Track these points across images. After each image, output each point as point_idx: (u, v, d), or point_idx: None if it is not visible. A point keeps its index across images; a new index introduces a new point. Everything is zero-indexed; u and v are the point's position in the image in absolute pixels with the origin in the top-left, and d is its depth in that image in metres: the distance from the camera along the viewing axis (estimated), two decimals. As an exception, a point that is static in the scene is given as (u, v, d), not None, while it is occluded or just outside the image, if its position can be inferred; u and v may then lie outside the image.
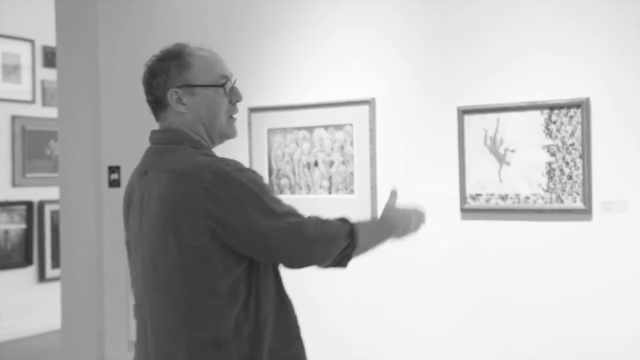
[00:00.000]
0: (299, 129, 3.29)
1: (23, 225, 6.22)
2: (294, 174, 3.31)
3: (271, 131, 3.37)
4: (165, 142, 1.81)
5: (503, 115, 2.84)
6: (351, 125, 3.17)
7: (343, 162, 3.19)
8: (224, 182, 1.67)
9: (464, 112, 2.91)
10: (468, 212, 2.92)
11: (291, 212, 1.74)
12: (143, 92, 1.84)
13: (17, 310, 6.09)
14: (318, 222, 1.77)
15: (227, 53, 3.51)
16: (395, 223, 1.95)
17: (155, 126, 1.86)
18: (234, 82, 1.91)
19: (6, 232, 6.13)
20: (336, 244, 1.78)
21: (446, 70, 2.98)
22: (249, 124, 3.42)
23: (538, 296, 2.80)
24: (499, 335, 2.87)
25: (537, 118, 2.77)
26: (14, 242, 6.19)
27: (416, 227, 2.02)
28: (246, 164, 3.41)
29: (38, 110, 6.32)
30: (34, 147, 6.26)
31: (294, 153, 3.31)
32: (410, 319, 3.05)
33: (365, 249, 1.87)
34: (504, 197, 2.85)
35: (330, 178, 3.23)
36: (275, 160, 3.36)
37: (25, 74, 6.21)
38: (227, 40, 3.50)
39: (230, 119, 1.90)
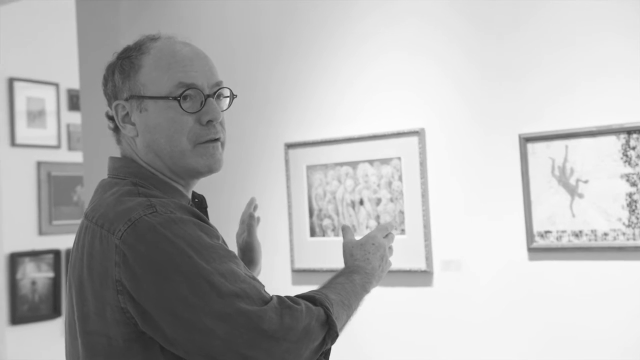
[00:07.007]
0: (341, 164, 3.01)
1: (51, 274, 5.99)
2: (337, 214, 3.02)
3: (310, 168, 3.09)
4: (113, 175, 1.35)
5: (572, 142, 2.53)
6: (399, 159, 2.88)
7: (391, 200, 2.90)
8: (140, 239, 1.14)
9: (526, 139, 2.61)
10: (536, 251, 2.60)
11: (246, 292, 1.15)
12: None
13: (46, 364, 5.83)
14: (282, 308, 1.18)
15: (259, 83, 3.30)
16: (371, 268, 1.41)
17: None
18: (215, 93, 1.33)
19: (33, 282, 5.91)
20: (310, 339, 1.20)
21: (503, 96, 2.69)
22: (286, 161, 3.15)
23: (621, 350, 2.44)
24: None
25: (613, 144, 2.45)
26: (41, 292, 5.97)
27: (390, 253, 1.50)
28: (284, 205, 3.15)
29: (64, 155, 6.15)
30: (60, 193, 6.07)
31: (336, 191, 3.03)
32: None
33: (343, 328, 1.32)
34: (577, 234, 2.52)
35: (377, 217, 2.93)
36: (316, 199, 3.07)
37: (50, 119, 6.06)
38: (259, 69, 3.26)
39: (201, 146, 1.30)
